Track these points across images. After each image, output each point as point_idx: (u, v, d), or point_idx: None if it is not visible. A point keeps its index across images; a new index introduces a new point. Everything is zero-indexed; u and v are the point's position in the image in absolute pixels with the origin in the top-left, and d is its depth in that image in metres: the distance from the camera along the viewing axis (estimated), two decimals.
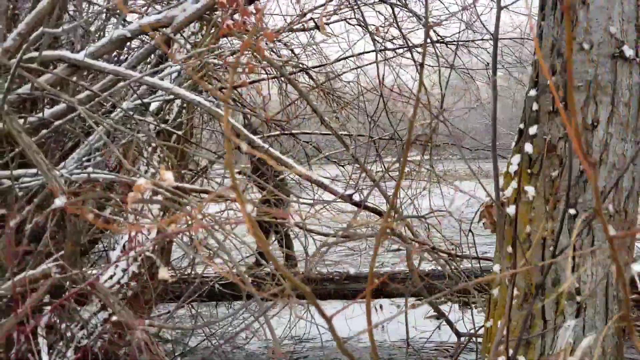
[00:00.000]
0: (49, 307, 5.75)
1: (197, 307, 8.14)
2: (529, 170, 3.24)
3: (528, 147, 3.25)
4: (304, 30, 9.27)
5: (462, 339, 5.27)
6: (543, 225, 3.07)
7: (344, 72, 9.05)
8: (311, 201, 5.22)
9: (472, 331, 5.46)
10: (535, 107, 3.27)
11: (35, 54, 4.75)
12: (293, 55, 9.74)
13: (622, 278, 1.06)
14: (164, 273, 1.59)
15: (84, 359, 5.71)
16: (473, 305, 5.78)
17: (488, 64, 9.89)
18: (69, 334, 5.76)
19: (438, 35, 8.75)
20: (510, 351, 2.22)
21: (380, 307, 9.06)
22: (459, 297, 5.65)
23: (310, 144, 9.74)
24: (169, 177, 1.35)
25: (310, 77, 9.44)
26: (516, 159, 3.32)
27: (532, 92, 3.30)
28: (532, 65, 3.40)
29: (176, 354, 7.74)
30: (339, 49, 10.49)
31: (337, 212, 6.08)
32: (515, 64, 10.60)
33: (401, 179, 1.43)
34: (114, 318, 5.56)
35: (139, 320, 4.11)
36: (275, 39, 8.86)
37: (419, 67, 7.06)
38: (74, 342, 5.75)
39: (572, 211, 3.09)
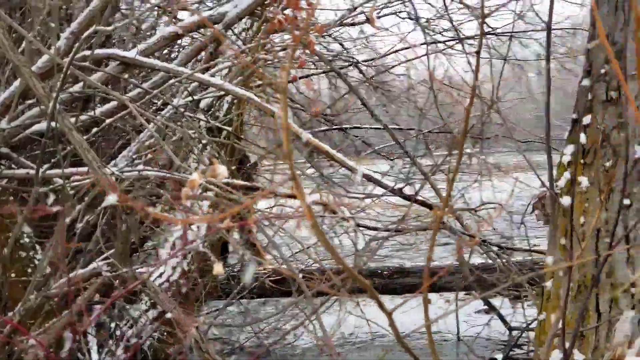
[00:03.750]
0: (99, 306, 5.82)
1: (247, 304, 8.16)
2: (582, 161, 3.17)
3: (582, 137, 3.18)
4: (354, 24, 9.24)
5: (514, 332, 5.20)
6: (597, 216, 3.00)
7: (394, 66, 8.99)
8: (362, 195, 5.20)
9: (524, 325, 5.39)
10: (588, 96, 3.20)
11: (87, 52, 4.80)
12: (343, 49, 9.72)
13: None
14: (218, 268, 1.58)
15: (134, 357, 5.76)
16: (525, 299, 5.70)
17: (540, 54, 9.76)
18: (118, 332, 5.81)
19: (489, 26, 8.63)
20: (567, 344, 2.17)
21: (429, 301, 8.95)
22: (510, 290, 5.56)
23: (360, 139, 9.70)
24: (222, 171, 1.34)
25: (360, 71, 9.40)
26: (569, 149, 3.25)
27: (585, 82, 3.23)
28: (585, 54, 3.32)
29: (224, 351, 7.78)
30: (389, 43, 10.46)
31: (388, 206, 6.04)
32: (567, 55, 10.41)
33: (456, 172, 1.40)
34: (165, 316, 5.61)
35: (191, 318, 4.14)
36: (325, 33, 8.85)
37: (470, 58, 6.99)
38: (124, 341, 5.80)
39: (626, 201, 3.01)
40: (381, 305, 1.28)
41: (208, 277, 6.60)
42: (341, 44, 9.81)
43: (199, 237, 6.35)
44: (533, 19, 9.22)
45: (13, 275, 4.91)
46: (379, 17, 8.96)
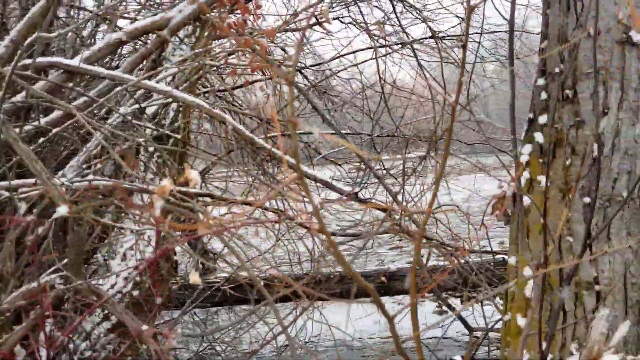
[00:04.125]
0: (51, 320, 5.69)
1: (207, 313, 8.09)
2: (540, 160, 3.18)
3: (538, 136, 3.19)
4: (297, 30, 9.20)
5: (479, 333, 5.21)
6: (566, 215, 3.01)
7: (341, 70, 8.97)
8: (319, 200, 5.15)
9: (486, 326, 5.40)
10: (544, 96, 3.21)
11: (28, 61, 4.68)
12: (286, 55, 9.67)
13: None
14: (195, 277, 1.53)
15: None
16: (482, 300, 5.72)
17: (482, 57, 9.84)
18: (71, 345, 5.68)
19: (432, 30, 8.66)
20: (542, 344, 2.16)
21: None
22: (469, 292, 5.58)
23: (308, 144, 9.67)
24: (194, 176, 1.29)
25: (305, 76, 9.37)
26: (527, 148, 3.26)
27: (540, 81, 3.25)
28: (539, 54, 3.34)
29: None
30: (332, 48, 10.45)
31: (341, 210, 6.02)
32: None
33: (441, 173, 1.37)
34: (121, 328, 5.49)
35: (150, 328, 4.04)
36: (269, 39, 8.79)
37: (429, 60, 6.99)
38: (77, 354, 5.67)
39: (587, 199, 3.03)
40: (384, 311, 1.24)
41: (161, 287, 6.50)
42: (283, 49, 9.76)
43: (150, 246, 6.25)
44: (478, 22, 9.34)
45: None
46: (319, 23, 8.94)
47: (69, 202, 4.09)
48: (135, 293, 6.37)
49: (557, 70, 3.18)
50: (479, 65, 10.52)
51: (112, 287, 6.32)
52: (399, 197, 5.33)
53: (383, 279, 6.76)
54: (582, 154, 2.95)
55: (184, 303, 6.98)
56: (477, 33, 9.20)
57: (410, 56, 8.05)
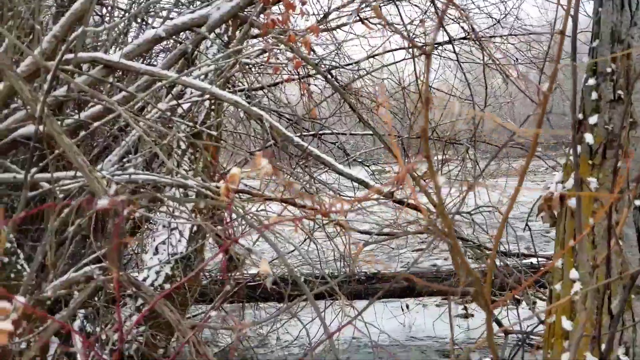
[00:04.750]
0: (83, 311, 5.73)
1: (240, 309, 8.13)
2: (590, 161, 3.14)
3: (588, 138, 3.15)
4: (327, 30, 9.19)
5: (511, 336, 5.17)
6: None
7: (375, 69, 8.93)
8: (353, 198, 5.12)
9: (527, 328, 5.36)
10: (594, 96, 3.17)
11: (70, 55, 4.70)
12: (314, 55, 9.65)
13: None
14: (265, 266, 1.52)
15: None
16: (521, 303, 5.69)
17: (517, 59, 9.77)
18: (104, 336, 5.72)
19: (474, 30, 8.58)
20: (600, 347, 2.13)
21: (407, 306, 8.98)
22: (501, 294, 5.54)
23: (337, 145, 9.66)
24: (265, 163, 1.27)
25: (333, 76, 9.34)
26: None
27: (591, 81, 3.21)
28: (590, 53, 3.30)
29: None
30: (366, 48, 10.41)
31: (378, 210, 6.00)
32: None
33: (525, 170, 1.34)
34: (155, 319, 5.52)
35: (188, 321, 4.05)
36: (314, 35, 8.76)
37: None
38: (109, 345, 5.71)
39: (638, 202, 2.99)
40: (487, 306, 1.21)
41: (192, 281, 6.53)
42: (313, 50, 9.74)
43: (183, 241, 6.28)
44: (510, 23, 9.29)
45: None
46: (347, 24, 8.94)
47: (110, 195, 4.11)
48: (167, 286, 6.41)
49: (608, 70, 3.14)
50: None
51: (144, 280, 6.37)
52: (434, 198, 5.26)
53: (415, 279, 6.70)
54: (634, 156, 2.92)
55: (213, 299, 7.00)
56: (510, 35, 9.16)
57: (447, 58, 7.99)
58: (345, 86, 8.25)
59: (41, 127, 3.95)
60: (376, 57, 9.34)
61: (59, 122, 4.86)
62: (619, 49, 3.10)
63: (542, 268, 5.55)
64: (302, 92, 9.47)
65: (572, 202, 3.11)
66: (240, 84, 8.31)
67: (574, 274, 3.06)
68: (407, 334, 8.26)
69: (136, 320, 4.37)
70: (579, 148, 3.21)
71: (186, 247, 6.50)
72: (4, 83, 4.42)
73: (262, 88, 7.45)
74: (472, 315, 8.19)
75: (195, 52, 6.55)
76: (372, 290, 8.27)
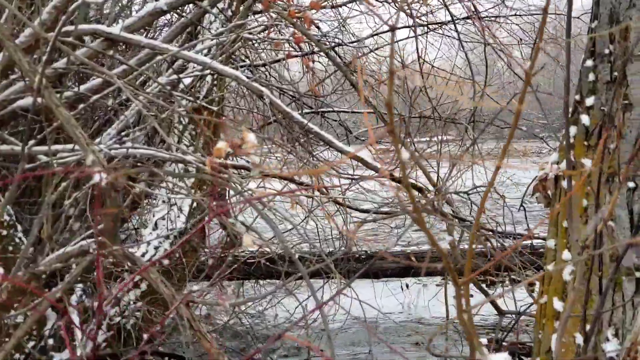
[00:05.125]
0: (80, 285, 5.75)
1: (241, 285, 8.15)
2: (585, 142, 3.13)
3: (584, 119, 3.14)
4: (332, 7, 9.15)
5: (513, 316, 5.18)
6: (602, 198, 2.97)
7: (378, 48, 8.90)
8: (351, 177, 5.14)
9: (518, 309, 5.38)
10: (592, 77, 3.16)
11: (71, 27, 4.69)
12: (319, 32, 9.61)
13: None
14: (248, 240, 1.52)
15: (117, 336, 5.71)
16: (516, 283, 5.70)
17: (521, 39, 9.72)
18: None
19: (476, 9, 8.52)
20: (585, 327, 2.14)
21: (407, 285, 9.01)
22: (502, 275, 5.56)
23: (340, 123, 9.64)
24: (251, 139, 1.27)
25: (337, 54, 9.30)
26: (572, 130, 3.21)
27: (589, 62, 3.19)
28: (588, 33, 3.28)
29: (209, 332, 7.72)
30: (370, 26, 10.35)
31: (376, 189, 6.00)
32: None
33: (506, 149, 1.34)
34: (151, 295, 5.54)
35: (182, 295, 4.07)
36: (300, 15, 8.74)
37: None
38: (106, 320, 5.74)
39: (631, 184, 2.99)
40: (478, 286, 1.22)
41: (191, 257, 6.55)
42: (317, 27, 9.70)
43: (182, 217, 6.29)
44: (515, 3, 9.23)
45: None
46: (354, 1, 8.89)
47: (106, 168, 4.11)
48: (166, 262, 6.42)
49: (606, 51, 3.12)
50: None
51: (143, 255, 6.38)
52: (434, 178, 5.28)
53: (413, 259, 6.75)
54: (629, 137, 2.91)
55: (211, 275, 7.03)
56: (514, 15, 9.10)
57: (450, 36, 7.95)
58: (348, 64, 8.22)
59: (39, 99, 3.95)
60: (380, 34, 9.31)
61: (59, 95, 4.86)
62: (617, 30, 3.08)
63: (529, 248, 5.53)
64: (306, 69, 9.45)
65: (566, 183, 3.11)
66: (243, 59, 8.28)
67: (566, 254, 3.07)
68: (406, 313, 8.30)
69: (120, 287, 4.37)
70: (574, 129, 3.20)
71: (185, 223, 6.51)
72: (3, 54, 4.42)
73: (264, 65, 7.43)
74: (472, 296, 8.19)
75: (199, 27, 6.54)
76: (372, 269, 8.30)
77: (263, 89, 4.60)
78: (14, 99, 4.67)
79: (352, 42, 8.62)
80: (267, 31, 7.14)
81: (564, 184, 3.12)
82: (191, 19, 5.26)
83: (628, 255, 2.97)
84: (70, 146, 4.40)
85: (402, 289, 8.84)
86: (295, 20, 4.34)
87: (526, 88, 1.24)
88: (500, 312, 5.32)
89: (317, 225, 6.84)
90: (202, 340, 3.80)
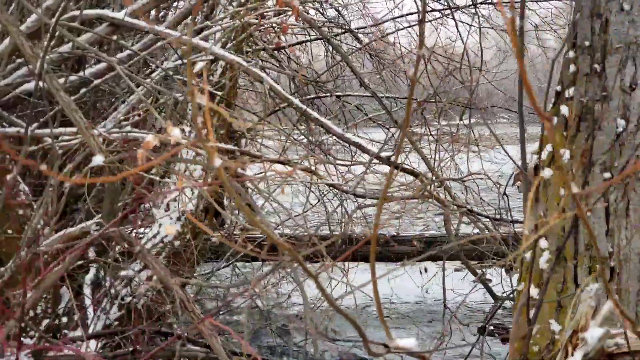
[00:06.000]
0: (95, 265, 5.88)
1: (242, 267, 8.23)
2: (564, 133, 3.18)
3: (564, 110, 3.19)
4: None
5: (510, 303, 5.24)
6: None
7: (389, 33, 8.94)
8: (348, 162, 5.21)
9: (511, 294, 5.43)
10: (572, 69, 3.20)
11: (76, 12, 4.78)
12: (339, 15, 9.64)
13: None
14: (170, 229, 1.59)
15: (127, 315, 5.83)
16: (511, 269, 5.74)
17: (536, 25, 9.72)
18: (113, 291, 5.87)
19: None
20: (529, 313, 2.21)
21: (425, 269, 9.06)
22: (497, 260, 5.60)
23: (357, 107, 9.66)
24: (175, 133, 1.35)
25: (357, 38, 9.33)
26: (552, 121, 3.26)
27: (570, 54, 3.24)
28: (570, 26, 3.32)
29: (221, 312, 7.86)
30: (386, 9, 10.38)
31: (375, 174, 6.05)
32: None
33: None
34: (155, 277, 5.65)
35: (176, 278, 4.16)
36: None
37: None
38: (118, 299, 5.86)
39: (607, 175, 3.03)
40: (305, 269, 1.29)
41: (200, 239, 6.65)
42: (337, 10, 9.73)
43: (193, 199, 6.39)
44: None
45: (10, 232, 4.97)
46: None
47: (107, 152, 4.22)
48: (177, 243, 6.52)
49: (587, 43, 3.17)
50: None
51: (155, 236, 6.49)
52: (431, 163, 5.34)
53: (415, 243, 6.82)
54: (606, 129, 2.96)
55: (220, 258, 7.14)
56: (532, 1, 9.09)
57: (466, 23, 7.92)
58: (359, 49, 8.26)
59: (41, 83, 4.05)
60: (397, 19, 9.33)
61: (64, 79, 4.97)
62: (597, 23, 3.12)
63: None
64: (326, 53, 9.51)
65: (544, 173, 3.17)
66: (255, 44, 8.34)
67: (543, 242, 3.13)
68: (423, 297, 8.37)
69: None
70: (554, 120, 3.25)
71: (195, 206, 6.62)
72: (9, 40, 4.52)
73: (279, 49, 7.49)
74: (480, 279, 8.24)
75: (214, 12, 6.61)
76: (388, 253, 8.39)
77: (262, 74, 4.67)
78: (20, 83, 4.78)
79: (360, 28, 8.65)
80: (281, 16, 7.20)
81: (543, 173, 3.18)
82: (194, 4, 5.32)
83: (602, 243, 3.03)
84: (73, 129, 4.50)
85: (421, 273, 8.90)
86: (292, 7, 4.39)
87: (411, 95, 1.30)
88: (495, 297, 5.38)
89: (326, 209, 6.90)
90: (194, 320, 3.90)
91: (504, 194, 5.27)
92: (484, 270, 6.17)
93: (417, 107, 6.79)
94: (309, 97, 7.85)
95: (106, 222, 4.30)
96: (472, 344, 4.77)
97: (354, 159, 5.83)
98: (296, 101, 4.80)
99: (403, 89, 9.86)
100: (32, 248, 4.30)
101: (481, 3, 8.00)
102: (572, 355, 1.88)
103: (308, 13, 9.19)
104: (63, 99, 3.98)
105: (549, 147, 3.22)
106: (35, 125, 4.44)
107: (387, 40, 9.22)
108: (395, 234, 8.67)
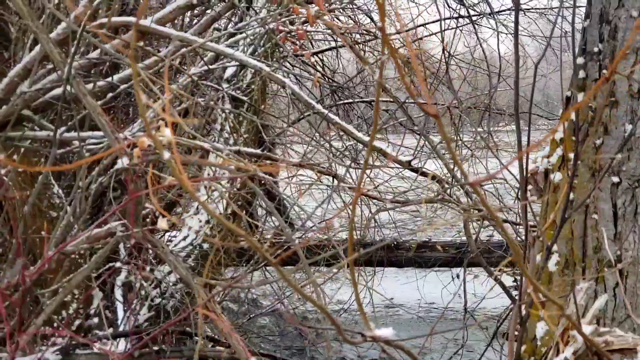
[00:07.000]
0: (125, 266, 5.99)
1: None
2: (574, 138, 3.22)
3: (573, 115, 3.23)
4: None
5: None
6: (587, 192, 3.07)
7: (417, 40, 8.99)
8: (371, 166, 5.27)
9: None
10: (582, 74, 3.25)
11: (104, 20, 4.91)
12: (371, 21, 9.71)
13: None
14: (162, 224, 1.68)
15: (157, 317, 5.93)
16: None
17: (567, 32, 9.68)
18: (143, 292, 5.99)
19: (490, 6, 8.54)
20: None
21: (457, 276, 9.06)
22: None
23: (386, 111, 9.71)
24: (167, 133, 1.44)
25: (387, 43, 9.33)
26: (562, 126, 3.31)
27: (580, 60, 3.28)
28: (581, 32, 3.37)
29: (251, 315, 7.97)
30: (415, 16, 10.42)
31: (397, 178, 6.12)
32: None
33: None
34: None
35: (199, 278, 4.25)
36: (353, 5, 8.88)
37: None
38: (148, 301, 5.97)
39: (615, 179, 3.07)
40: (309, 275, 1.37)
41: (228, 241, 6.72)
42: (368, 16, 9.80)
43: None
44: None
45: (43, 233, 5.11)
46: None
47: (130, 155, 4.32)
48: (205, 246, 6.62)
49: (596, 49, 3.21)
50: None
51: (184, 239, 6.60)
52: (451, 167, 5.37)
53: (439, 247, 6.85)
54: (614, 133, 3.00)
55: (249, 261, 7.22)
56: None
57: (489, 27, 7.96)
58: (387, 55, 8.28)
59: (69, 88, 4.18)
60: (426, 25, 9.39)
61: (92, 84, 5.10)
62: (606, 29, 3.17)
63: None
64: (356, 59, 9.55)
65: (555, 177, 3.21)
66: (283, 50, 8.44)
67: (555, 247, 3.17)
68: (456, 302, 8.40)
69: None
70: (565, 125, 3.30)
71: (225, 209, 6.71)
72: (39, 46, 4.67)
73: (298, 55, 7.58)
74: (500, 283, 8.24)
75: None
76: (420, 260, 8.45)
77: (285, 80, 4.75)
78: (50, 88, 4.92)
79: (392, 34, 8.70)
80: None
81: (553, 177, 3.22)
82: (219, 12, 5.44)
83: (610, 248, 3.06)
84: (99, 133, 4.63)
85: (453, 279, 8.90)
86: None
87: (378, 97, 1.37)
88: (513, 300, 5.37)
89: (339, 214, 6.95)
90: (215, 321, 3.98)
91: (517, 197, 5.28)
92: (503, 273, 6.18)
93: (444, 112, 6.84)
94: (337, 103, 7.92)
95: (131, 224, 4.41)
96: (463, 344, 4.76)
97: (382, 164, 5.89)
98: (318, 106, 4.87)
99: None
100: (59, 248, 4.42)
101: (499, 12, 8.02)
102: (563, 352, 1.93)
103: (339, 19, 9.29)
104: (90, 103, 4.10)
105: (559, 152, 3.27)
106: (63, 129, 4.57)
107: (419, 46, 9.28)
108: (426, 239, 8.71)
